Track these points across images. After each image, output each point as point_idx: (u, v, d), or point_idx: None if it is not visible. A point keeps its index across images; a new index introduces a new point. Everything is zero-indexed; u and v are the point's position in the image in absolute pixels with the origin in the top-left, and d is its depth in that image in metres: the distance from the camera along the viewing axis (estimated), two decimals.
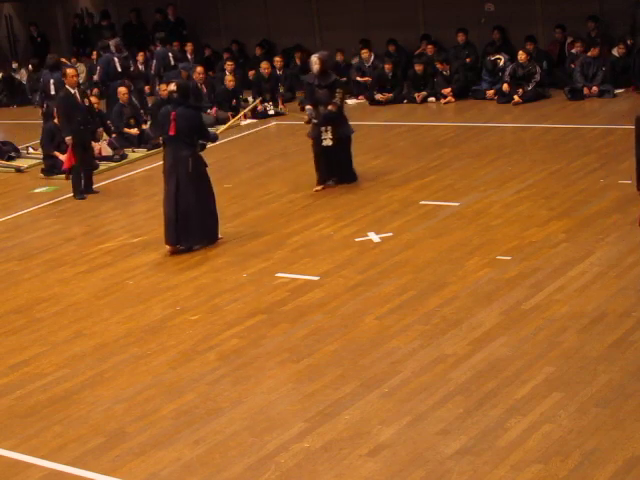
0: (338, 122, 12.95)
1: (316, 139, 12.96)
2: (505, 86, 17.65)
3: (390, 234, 11.03)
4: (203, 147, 11.33)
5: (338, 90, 12.94)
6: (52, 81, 18.16)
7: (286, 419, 7.15)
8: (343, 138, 12.99)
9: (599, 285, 8.97)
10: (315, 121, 12.91)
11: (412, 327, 8.50)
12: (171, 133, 11.02)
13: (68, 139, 13.91)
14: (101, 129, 14.80)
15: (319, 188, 12.99)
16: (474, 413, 6.93)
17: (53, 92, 17.95)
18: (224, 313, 9.31)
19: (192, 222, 11.11)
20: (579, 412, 6.79)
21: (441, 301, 8.99)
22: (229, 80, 18.93)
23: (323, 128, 12.85)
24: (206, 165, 11.34)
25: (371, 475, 6.34)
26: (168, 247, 11.16)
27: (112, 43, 19.74)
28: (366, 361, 7.95)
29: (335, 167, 13.08)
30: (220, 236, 11.42)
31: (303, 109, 14.34)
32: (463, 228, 10.98)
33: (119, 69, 18.98)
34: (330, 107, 12.82)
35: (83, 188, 14.17)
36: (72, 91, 14.01)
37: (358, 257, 10.42)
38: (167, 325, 9.19)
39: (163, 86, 18.06)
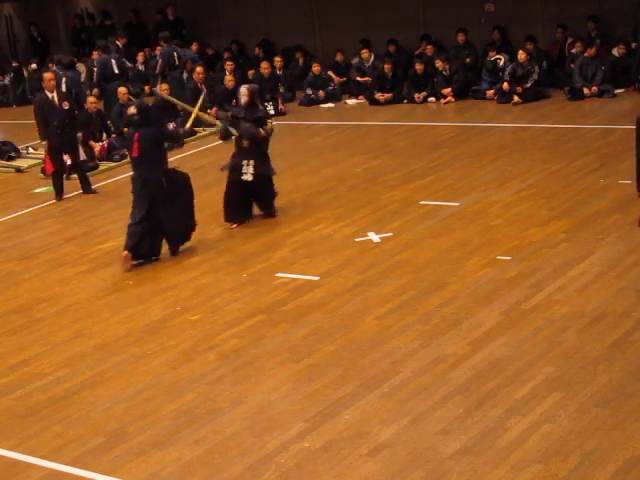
0: (262, 159, 11.93)
1: (236, 171, 11.90)
2: (505, 85, 17.62)
3: (390, 234, 11.03)
4: (170, 147, 11.18)
5: (269, 120, 12.21)
6: (64, 80, 18.30)
7: (286, 419, 7.15)
8: (263, 177, 11.94)
9: (599, 285, 8.97)
10: (234, 132, 11.98)
11: (412, 327, 8.51)
12: (135, 154, 10.88)
13: (44, 144, 14.00)
14: (80, 134, 14.72)
15: (234, 226, 11.93)
16: (474, 413, 6.93)
17: (64, 90, 18.12)
18: (224, 313, 9.31)
19: (176, 232, 11.08)
20: (579, 412, 6.79)
21: (441, 301, 8.99)
22: (229, 80, 18.92)
23: (245, 161, 11.80)
24: (185, 175, 11.18)
25: (371, 475, 6.34)
26: (125, 252, 10.79)
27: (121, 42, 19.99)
28: (366, 361, 7.95)
29: (248, 206, 12.12)
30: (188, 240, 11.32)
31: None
32: (463, 228, 10.98)
33: (116, 70, 19.01)
34: (261, 130, 11.92)
35: (85, 189, 14.28)
36: (49, 95, 14.02)
37: (358, 257, 10.42)
38: (167, 325, 9.19)
39: (163, 85, 18.08)
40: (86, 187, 14.31)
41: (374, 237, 10.99)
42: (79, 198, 14.21)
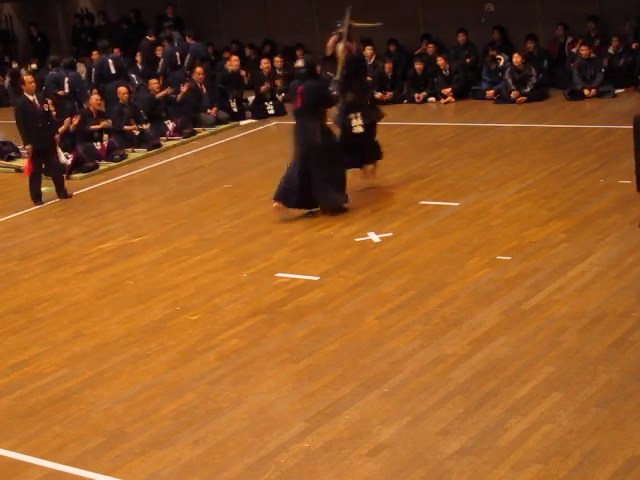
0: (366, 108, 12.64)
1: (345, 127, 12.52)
2: (514, 94, 17.46)
3: (390, 234, 11.03)
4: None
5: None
6: (67, 79, 18.30)
7: (286, 419, 7.15)
8: (369, 125, 12.60)
9: (599, 285, 8.97)
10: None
11: (412, 327, 8.51)
12: (298, 105, 11.89)
13: (28, 147, 13.91)
14: (57, 136, 14.67)
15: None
16: (474, 413, 6.93)
17: (67, 90, 18.14)
18: (224, 313, 9.31)
19: (319, 187, 11.74)
20: (579, 412, 6.79)
21: (441, 301, 8.99)
22: (234, 60, 18.89)
23: (352, 115, 12.44)
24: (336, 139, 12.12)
25: (371, 475, 6.34)
26: (276, 203, 11.89)
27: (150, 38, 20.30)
28: (366, 361, 7.95)
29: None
30: (347, 205, 12.00)
31: None
32: (463, 228, 10.98)
33: (113, 71, 19.02)
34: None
35: (59, 193, 14.17)
36: (30, 98, 13.97)
37: (358, 257, 10.42)
38: (167, 325, 9.19)
39: (153, 80, 18.11)
40: (60, 191, 14.13)
41: (374, 237, 10.99)
42: (79, 198, 14.21)
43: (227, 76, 18.88)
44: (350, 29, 12.75)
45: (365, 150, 12.76)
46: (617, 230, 10.28)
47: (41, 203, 13.96)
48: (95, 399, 7.81)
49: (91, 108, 16.41)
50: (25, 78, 14.35)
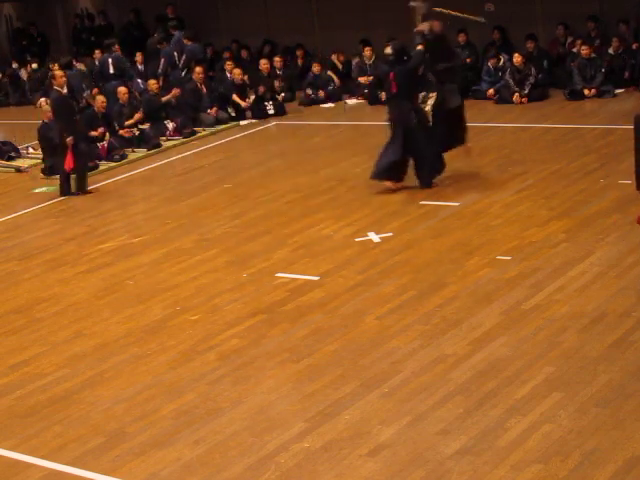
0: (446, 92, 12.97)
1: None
2: (516, 96, 17.48)
3: (390, 234, 11.03)
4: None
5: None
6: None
7: (286, 419, 7.16)
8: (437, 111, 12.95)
9: (599, 285, 8.97)
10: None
11: (412, 327, 8.51)
12: (393, 91, 12.47)
13: (69, 140, 13.88)
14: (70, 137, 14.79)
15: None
16: (474, 413, 6.93)
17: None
18: (224, 313, 9.31)
19: (422, 163, 12.54)
20: (579, 412, 6.79)
21: (441, 301, 8.99)
22: (237, 74, 18.84)
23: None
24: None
25: (371, 475, 6.34)
26: (389, 183, 12.55)
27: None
28: (366, 361, 7.95)
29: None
30: (435, 182, 12.64)
31: None
32: (463, 228, 10.98)
33: (112, 70, 18.99)
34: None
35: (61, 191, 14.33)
36: (63, 92, 14.06)
37: (358, 257, 10.42)
38: (167, 325, 9.19)
39: (152, 81, 18.10)
40: (66, 189, 14.29)
41: (374, 237, 10.99)
42: (79, 198, 14.21)
43: (228, 87, 18.85)
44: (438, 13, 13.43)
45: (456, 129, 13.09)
46: (617, 230, 10.28)
47: (72, 194, 14.16)
48: (95, 399, 7.82)
49: (96, 109, 16.41)
50: (56, 73, 14.48)
